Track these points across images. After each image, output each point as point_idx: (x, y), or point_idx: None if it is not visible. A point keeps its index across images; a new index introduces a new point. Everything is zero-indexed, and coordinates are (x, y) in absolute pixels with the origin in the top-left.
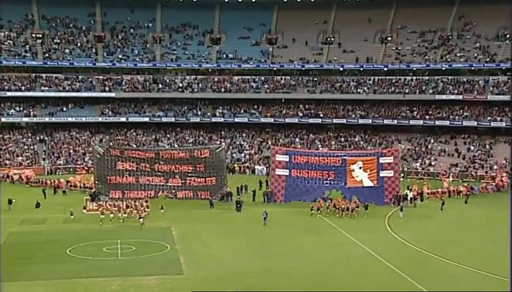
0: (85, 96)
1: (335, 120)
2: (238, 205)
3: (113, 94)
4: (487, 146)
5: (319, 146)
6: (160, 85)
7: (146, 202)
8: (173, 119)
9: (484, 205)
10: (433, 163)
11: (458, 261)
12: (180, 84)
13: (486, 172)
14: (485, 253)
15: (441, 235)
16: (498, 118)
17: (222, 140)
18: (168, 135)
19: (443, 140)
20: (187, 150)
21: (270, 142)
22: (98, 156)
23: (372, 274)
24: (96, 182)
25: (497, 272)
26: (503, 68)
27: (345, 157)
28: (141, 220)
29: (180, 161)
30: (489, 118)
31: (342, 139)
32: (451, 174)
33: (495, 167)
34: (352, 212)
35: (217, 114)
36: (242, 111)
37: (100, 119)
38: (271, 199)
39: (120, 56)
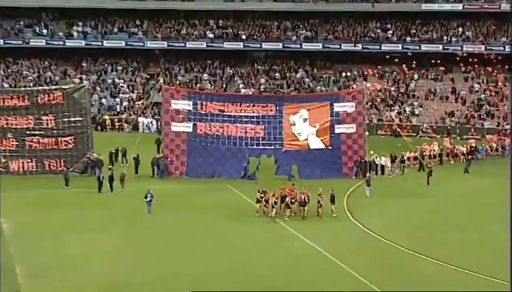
0: None
1: (265, 45)
2: (109, 181)
3: None
4: (500, 83)
5: (241, 85)
6: None
7: None
8: (0, 42)
9: (492, 173)
10: (416, 111)
11: (446, 259)
12: None
13: (498, 124)
14: (483, 246)
15: (424, 222)
16: None
17: (84, 76)
18: None
19: (433, 75)
20: (26, 93)
21: (162, 80)
22: None
23: (322, 281)
24: None
25: (498, 274)
26: None
27: (281, 103)
28: None
29: (14, 111)
30: (503, 40)
31: (277, 75)
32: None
33: None
34: (318, 207)
35: (75, 34)
36: (115, 29)
37: None
38: (165, 171)
39: None
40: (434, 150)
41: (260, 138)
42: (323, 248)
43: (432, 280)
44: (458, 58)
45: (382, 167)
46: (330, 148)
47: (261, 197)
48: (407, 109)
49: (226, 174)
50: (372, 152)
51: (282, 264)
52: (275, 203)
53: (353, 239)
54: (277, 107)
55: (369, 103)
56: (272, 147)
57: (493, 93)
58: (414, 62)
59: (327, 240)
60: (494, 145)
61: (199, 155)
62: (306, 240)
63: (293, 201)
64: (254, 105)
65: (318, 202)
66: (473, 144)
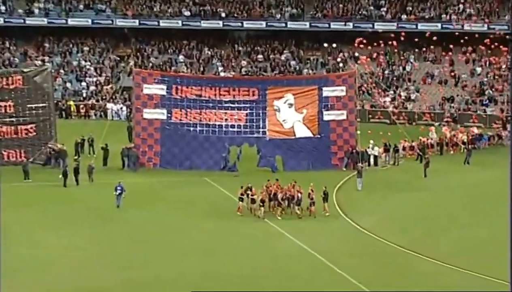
0: None
1: (247, 24)
2: (74, 174)
3: None
4: (503, 66)
5: (220, 68)
6: None
7: None
8: None
9: (494, 164)
10: (413, 96)
11: (444, 258)
12: None
13: (502, 110)
14: (484, 244)
15: (421, 218)
16: None
17: (47, 58)
18: None
19: (431, 57)
20: None
21: (132, 63)
22: None
23: (311, 282)
24: None
25: (499, 273)
26: None
27: (264, 87)
28: None
29: None
30: (507, 18)
31: (260, 56)
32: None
33: None
34: (310, 205)
35: (36, 11)
36: (81, 6)
37: None
38: (136, 162)
39: None
40: (431, 139)
41: (242, 126)
42: (312, 247)
43: (428, 281)
44: (458, 39)
45: (375, 157)
46: (318, 136)
47: (247, 195)
48: (403, 94)
49: (204, 165)
50: (358, 132)
51: (268, 266)
52: (263, 202)
53: (344, 237)
54: (260, 92)
55: (361, 88)
56: (255, 135)
57: (496, 77)
58: (410, 42)
59: (316, 239)
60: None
61: (174, 144)
62: (294, 239)
63: (284, 198)
64: (234, 90)
65: (311, 198)
66: (476, 131)
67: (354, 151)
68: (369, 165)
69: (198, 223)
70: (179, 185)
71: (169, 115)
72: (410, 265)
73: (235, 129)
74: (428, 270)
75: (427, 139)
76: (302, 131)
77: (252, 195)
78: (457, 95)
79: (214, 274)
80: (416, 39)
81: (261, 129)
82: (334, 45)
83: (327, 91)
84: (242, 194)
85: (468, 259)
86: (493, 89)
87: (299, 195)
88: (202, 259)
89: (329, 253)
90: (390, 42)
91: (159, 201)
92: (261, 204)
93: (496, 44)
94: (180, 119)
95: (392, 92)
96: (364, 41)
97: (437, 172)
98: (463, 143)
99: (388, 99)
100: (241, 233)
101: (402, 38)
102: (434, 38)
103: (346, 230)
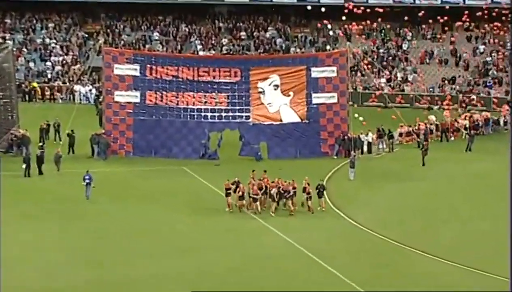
0: None
1: None
2: (37, 163)
3: None
4: (509, 44)
5: (199, 47)
6: None
7: None
8: None
9: (497, 152)
10: (410, 78)
11: (444, 255)
12: None
13: (507, 92)
14: (486, 239)
15: (419, 211)
16: None
17: (8, 35)
18: None
19: (430, 34)
20: None
21: (102, 41)
22: None
23: (301, 284)
24: None
25: (501, 271)
26: None
27: (247, 67)
28: None
29: None
30: None
31: (243, 34)
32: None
33: None
34: (307, 200)
35: None
36: None
37: None
38: (107, 150)
39: None
40: (431, 124)
41: (223, 110)
42: (298, 242)
43: (427, 280)
44: (459, 14)
45: (369, 144)
46: (306, 121)
47: (234, 190)
48: (399, 75)
49: (182, 153)
50: (356, 115)
51: (259, 265)
52: (256, 194)
53: (336, 232)
54: (243, 72)
55: (353, 68)
56: (237, 120)
57: (501, 56)
58: (407, 18)
59: (307, 235)
60: (502, 118)
61: (148, 130)
62: (283, 236)
63: (276, 193)
64: (214, 70)
65: (307, 192)
66: (479, 118)
67: (345, 137)
68: (362, 152)
69: (179, 217)
70: (154, 175)
71: (142, 98)
72: (407, 262)
73: (216, 113)
74: (426, 268)
75: (426, 124)
76: (289, 116)
77: (241, 191)
78: (459, 76)
79: (204, 273)
80: (414, 15)
81: (244, 114)
82: (325, 16)
83: (316, 72)
84: (228, 188)
85: (468, 255)
86: (498, 69)
87: (293, 189)
88: (192, 257)
89: (321, 250)
90: (385, 18)
91: (133, 192)
92: (254, 196)
93: (500, 20)
94: (155, 103)
95: (387, 73)
96: (354, 8)
97: (437, 160)
98: (465, 128)
99: (383, 80)
100: (228, 229)
101: (398, 14)
102: (429, 17)
103: (338, 225)
